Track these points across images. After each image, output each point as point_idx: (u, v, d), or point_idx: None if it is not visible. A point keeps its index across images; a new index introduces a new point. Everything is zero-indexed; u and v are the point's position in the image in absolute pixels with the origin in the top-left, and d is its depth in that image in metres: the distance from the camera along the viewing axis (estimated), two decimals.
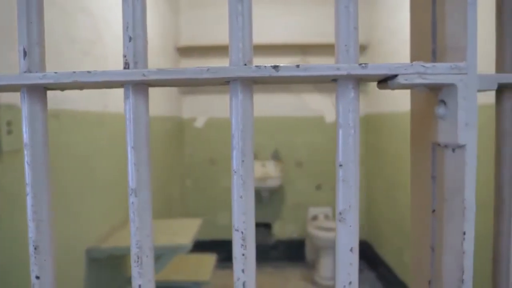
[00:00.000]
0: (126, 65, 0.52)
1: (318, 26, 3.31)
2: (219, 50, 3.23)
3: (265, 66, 0.49)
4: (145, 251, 0.52)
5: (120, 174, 2.04)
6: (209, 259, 2.44)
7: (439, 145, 0.56)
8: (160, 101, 2.89)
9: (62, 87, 0.55)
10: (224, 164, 3.39)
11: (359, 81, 0.52)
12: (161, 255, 1.78)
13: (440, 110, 0.52)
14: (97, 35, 1.86)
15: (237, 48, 0.50)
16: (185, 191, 3.31)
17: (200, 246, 3.29)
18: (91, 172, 1.76)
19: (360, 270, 2.98)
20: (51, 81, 0.51)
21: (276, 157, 3.40)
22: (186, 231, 1.90)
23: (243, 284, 0.52)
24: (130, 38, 0.51)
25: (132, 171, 0.52)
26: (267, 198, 3.37)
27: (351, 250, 0.51)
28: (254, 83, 0.53)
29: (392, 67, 0.49)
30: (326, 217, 3.36)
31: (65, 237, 1.56)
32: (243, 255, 0.51)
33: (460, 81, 0.49)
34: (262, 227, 3.47)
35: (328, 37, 3.27)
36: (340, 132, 0.51)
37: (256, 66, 0.49)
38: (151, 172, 0.53)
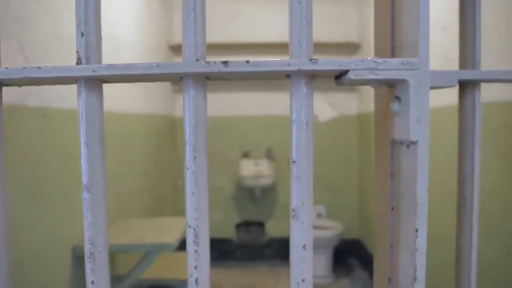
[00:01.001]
0: (79, 61, 0.51)
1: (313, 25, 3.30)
2: (212, 48, 3.23)
3: (214, 62, 0.48)
4: (98, 248, 0.52)
5: (108, 172, 2.03)
6: None
7: (396, 141, 0.56)
8: (152, 99, 2.88)
9: (17, 83, 0.54)
10: (216, 163, 3.39)
11: (313, 77, 0.51)
12: (147, 253, 1.78)
13: (395, 106, 0.52)
14: None
15: (189, 44, 0.50)
16: (177, 190, 3.31)
17: None
18: (78, 170, 1.76)
19: (353, 269, 2.98)
20: (3, 76, 0.51)
21: (269, 155, 3.39)
22: (173, 229, 1.90)
23: (196, 280, 0.51)
24: (82, 34, 0.51)
25: (84, 167, 0.51)
26: (260, 197, 3.37)
27: (304, 247, 0.51)
28: (207, 79, 0.52)
29: (343, 63, 0.48)
30: (319, 215, 3.36)
31: (51, 234, 1.56)
32: (195, 251, 0.51)
33: (412, 77, 0.49)
34: (256, 225, 3.47)
35: (322, 36, 3.26)
36: (293, 128, 0.51)
37: (206, 62, 0.49)
38: (105, 169, 0.53)
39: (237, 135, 3.39)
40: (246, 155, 3.41)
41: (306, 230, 0.51)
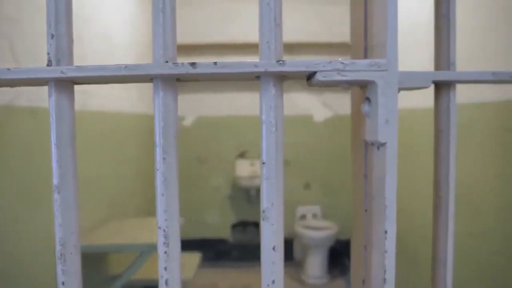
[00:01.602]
0: (49, 63, 0.51)
1: (305, 25, 3.30)
2: (208, 48, 3.23)
3: (182, 63, 0.48)
4: (69, 249, 0.52)
5: (99, 173, 2.04)
6: (193, 257, 2.44)
7: (368, 143, 0.56)
8: (147, 99, 2.88)
9: None
10: (213, 163, 3.39)
11: (283, 78, 0.51)
12: (140, 253, 1.78)
13: (365, 107, 0.52)
14: (75, 34, 1.85)
15: (158, 45, 0.50)
16: None
17: (189, 245, 3.30)
18: None
19: (348, 269, 2.98)
20: None
21: None
22: None
23: (166, 281, 0.51)
24: (53, 36, 0.51)
25: (55, 168, 0.51)
26: (256, 197, 3.37)
27: (273, 248, 0.51)
28: (177, 80, 0.52)
29: (310, 64, 0.48)
30: (314, 216, 3.36)
31: (44, 235, 1.56)
32: (165, 252, 0.51)
33: (380, 78, 0.49)
34: (252, 226, 3.47)
35: (315, 36, 3.26)
36: (263, 129, 0.51)
37: (174, 63, 0.49)
38: (76, 169, 0.53)
39: (234, 135, 3.38)
40: (242, 155, 3.41)
41: (276, 231, 0.51)
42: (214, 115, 3.37)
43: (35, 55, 1.61)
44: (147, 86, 2.85)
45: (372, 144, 0.53)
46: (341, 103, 3.38)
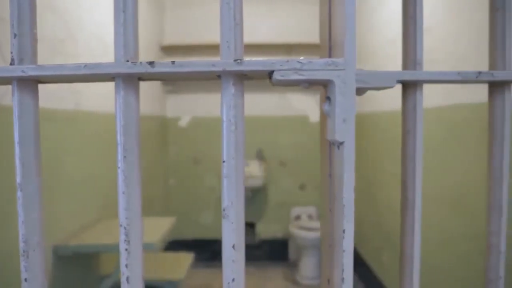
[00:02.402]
0: (12, 62, 0.52)
1: (303, 26, 3.30)
2: (204, 49, 3.23)
3: (141, 62, 0.49)
4: (31, 246, 0.52)
5: (92, 173, 2.04)
6: (186, 258, 2.44)
7: (330, 142, 0.56)
8: (143, 99, 2.89)
9: None
10: (208, 164, 3.40)
11: (243, 77, 0.52)
12: None
13: (326, 107, 0.52)
14: (68, 33, 1.86)
15: (119, 45, 0.50)
16: (168, 190, 3.32)
17: (184, 245, 3.30)
18: (62, 170, 1.76)
19: None
20: None
21: (260, 156, 3.40)
22: (157, 229, 1.90)
23: (127, 279, 0.52)
24: (15, 35, 0.51)
25: (18, 166, 0.52)
26: (250, 198, 3.37)
27: (233, 246, 0.51)
28: (139, 80, 0.53)
29: (267, 63, 0.49)
30: (310, 217, 3.36)
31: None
32: (126, 250, 0.51)
33: (337, 77, 0.49)
34: (246, 226, 3.47)
35: (312, 36, 3.26)
36: (223, 128, 0.51)
37: (133, 62, 0.49)
38: (40, 167, 0.53)
39: None
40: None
41: (235, 230, 0.51)
42: (209, 116, 3.37)
43: None
44: (144, 86, 2.86)
45: (333, 143, 0.53)
46: None
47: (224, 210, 0.52)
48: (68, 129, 1.85)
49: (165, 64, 0.48)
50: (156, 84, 3.20)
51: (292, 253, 3.36)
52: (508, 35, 0.61)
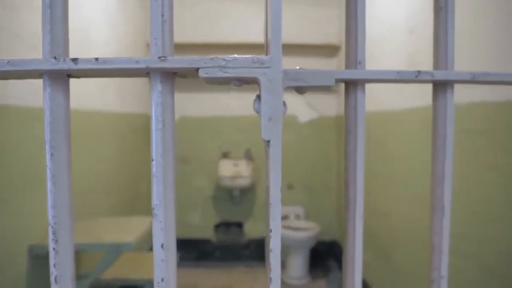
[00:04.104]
0: None
1: (292, 27, 3.30)
2: (191, 47, 3.23)
3: (64, 59, 0.48)
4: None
5: (73, 171, 2.03)
6: None
7: None
8: (130, 98, 2.88)
9: None
10: (196, 163, 3.39)
11: (171, 75, 0.51)
12: (106, 253, 1.78)
13: (256, 105, 0.52)
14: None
15: (46, 41, 0.50)
16: None
17: None
18: (37, 169, 1.76)
19: (330, 270, 2.97)
20: None
21: (248, 156, 3.39)
22: (135, 228, 1.90)
23: (55, 278, 0.51)
24: None
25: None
26: (239, 197, 3.37)
27: (161, 246, 0.51)
28: (69, 76, 0.52)
29: (192, 61, 0.48)
30: (297, 216, 3.35)
31: (8, 233, 1.56)
32: (54, 249, 0.51)
33: (263, 75, 0.49)
34: (234, 226, 3.47)
35: (298, 37, 3.26)
36: (152, 126, 0.51)
37: (56, 58, 0.48)
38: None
39: (217, 136, 3.38)
40: (225, 155, 3.41)
41: (164, 229, 0.51)
42: (198, 115, 3.37)
43: (1, 53, 1.61)
44: (125, 85, 2.86)
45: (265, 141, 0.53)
46: (326, 104, 3.37)
47: (153, 209, 0.51)
48: (43, 127, 1.84)
49: (88, 61, 0.48)
50: (144, 83, 3.19)
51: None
52: (450, 34, 0.61)
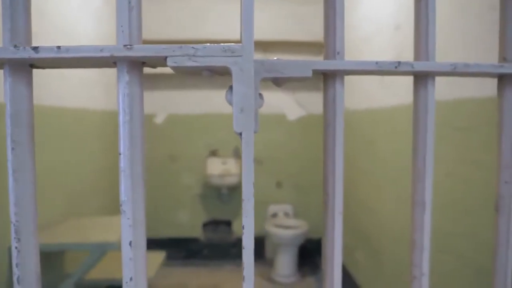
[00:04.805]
0: None
1: (279, 24, 3.28)
2: (175, 44, 3.19)
3: (24, 47, 0.46)
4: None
5: (57, 171, 1.99)
6: (157, 256, 2.40)
7: None
8: (114, 96, 2.84)
9: None
10: (184, 161, 3.36)
11: (138, 65, 0.49)
12: (91, 252, 1.75)
13: (228, 96, 0.50)
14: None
15: (6, 28, 0.47)
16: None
17: (160, 244, 3.26)
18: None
19: (319, 268, 2.95)
20: None
21: (237, 154, 3.37)
22: (119, 228, 1.86)
23: (18, 279, 0.48)
24: None
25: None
26: (227, 196, 3.34)
27: (130, 244, 0.48)
28: (31, 67, 0.49)
29: (159, 49, 0.46)
30: (286, 214, 3.34)
31: None
32: (16, 248, 0.48)
33: (234, 64, 0.46)
34: (223, 224, 3.44)
35: (289, 35, 3.24)
36: (119, 118, 0.48)
37: (16, 47, 0.46)
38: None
39: (205, 134, 3.35)
40: (214, 153, 3.38)
41: (132, 226, 0.49)
42: (186, 113, 3.34)
43: None
44: (112, 83, 2.82)
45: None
46: (314, 102, 3.36)
47: (121, 205, 0.49)
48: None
49: (50, 49, 0.45)
50: None
51: (268, 251, 3.34)
52: (431, 25, 0.59)
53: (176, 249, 3.30)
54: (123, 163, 0.49)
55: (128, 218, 0.49)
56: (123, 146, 0.48)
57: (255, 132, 0.52)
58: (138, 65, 0.48)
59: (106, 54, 0.45)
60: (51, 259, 1.90)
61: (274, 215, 3.32)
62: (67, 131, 2.15)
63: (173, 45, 0.45)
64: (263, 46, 3.25)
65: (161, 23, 3.25)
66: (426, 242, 0.62)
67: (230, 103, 0.49)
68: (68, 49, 0.45)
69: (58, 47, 0.45)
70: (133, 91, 0.48)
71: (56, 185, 1.99)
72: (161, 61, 0.49)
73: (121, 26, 0.47)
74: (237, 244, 3.41)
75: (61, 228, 1.91)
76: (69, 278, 1.74)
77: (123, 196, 0.49)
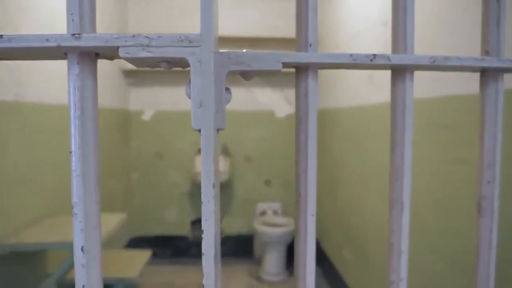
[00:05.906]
0: None
1: (266, 20, 3.25)
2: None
3: None
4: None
5: (36, 168, 1.94)
6: (142, 255, 2.36)
7: None
8: (105, 92, 2.79)
9: None
10: (171, 159, 3.31)
11: (93, 56, 0.45)
12: (71, 251, 1.70)
13: (187, 89, 0.46)
14: (6, 20, 1.76)
15: None
16: (130, 185, 3.22)
17: (147, 242, 3.22)
18: (2, 165, 1.67)
19: None
20: None
21: (225, 151, 3.33)
22: (103, 226, 1.82)
23: None
24: None
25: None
26: None
27: (81, 249, 0.45)
28: None
29: (110, 39, 0.42)
30: (275, 212, 3.31)
31: None
32: None
33: (192, 55, 0.43)
34: None
35: (276, 31, 3.21)
36: (70, 113, 0.44)
37: None
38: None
39: (193, 131, 3.29)
40: (201, 151, 3.33)
41: (84, 230, 0.45)
42: (174, 110, 3.29)
43: None
44: (105, 78, 2.77)
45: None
46: None
47: (72, 208, 0.45)
48: (8, 122, 1.75)
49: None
50: (118, 77, 3.10)
51: (257, 249, 3.32)
52: (410, 16, 0.56)
53: (163, 247, 3.27)
54: (74, 162, 0.45)
55: (79, 222, 0.45)
56: (73, 143, 0.45)
57: (220, 129, 0.49)
58: (91, 56, 0.45)
59: (52, 44, 0.42)
60: (31, 259, 1.86)
61: (263, 213, 3.30)
62: (52, 128, 2.09)
63: (126, 35, 0.42)
64: (252, 42, 3.21)
65: (151, 21, 3.21)
66: (404, 245, 0.59)
67: (189, 96, 0.46)
68: (11, 39, 0.42)
69: (1, 36, 0.42)
70: (85, 84, 0.44)
71: (33, 184, 1.94)
72: (114, 52, 0.45)
73: (71, 14, 0.44)
74: (225, 242, 3.38)
75: (42, 226, 1.86)
76: (50, 277, 1.70)
77: (74, 198, 0.45)
